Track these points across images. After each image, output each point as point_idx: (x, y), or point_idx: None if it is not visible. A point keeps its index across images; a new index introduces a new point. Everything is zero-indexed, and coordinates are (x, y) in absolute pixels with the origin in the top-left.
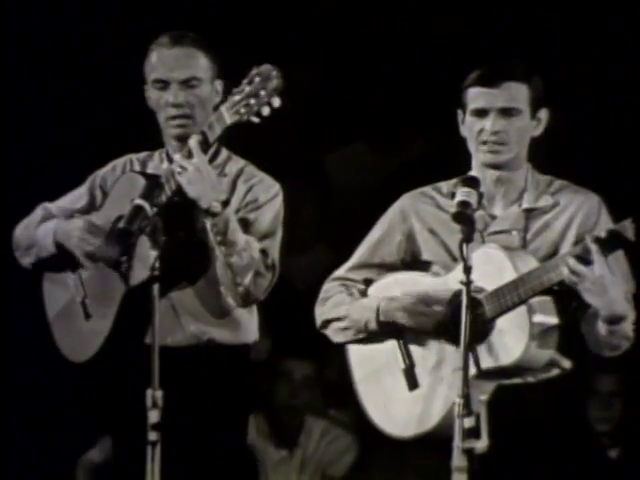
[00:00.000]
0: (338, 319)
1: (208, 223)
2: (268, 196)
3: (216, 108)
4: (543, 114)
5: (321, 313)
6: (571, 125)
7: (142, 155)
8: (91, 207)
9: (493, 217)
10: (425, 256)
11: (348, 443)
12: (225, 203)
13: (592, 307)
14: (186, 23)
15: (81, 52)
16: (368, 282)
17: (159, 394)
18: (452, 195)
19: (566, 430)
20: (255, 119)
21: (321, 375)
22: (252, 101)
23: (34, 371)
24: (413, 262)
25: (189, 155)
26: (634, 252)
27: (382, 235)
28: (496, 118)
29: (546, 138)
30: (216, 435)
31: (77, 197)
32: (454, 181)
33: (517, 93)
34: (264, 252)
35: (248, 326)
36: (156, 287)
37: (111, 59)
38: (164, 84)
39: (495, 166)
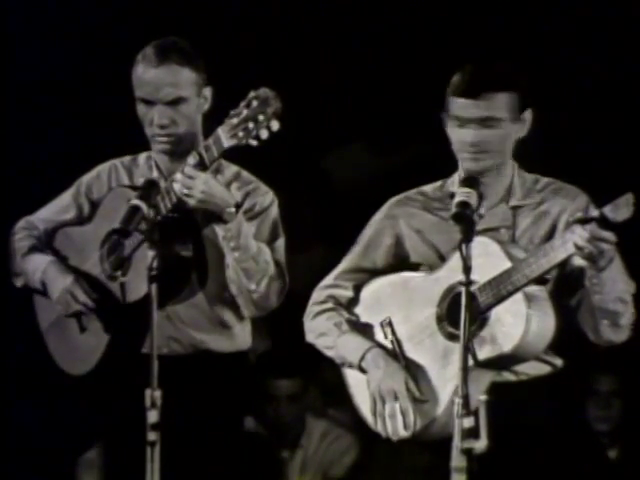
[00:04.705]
0: (324, 347)
1: (220, 231)
2: (264, 204)
3: (206, 115)
4: (527, 115)
5: (309, 331)
6: (557, 123)
7: (126, 160)
8: (79, 218)
9: (480, 216)
10: (414, 258)
11: (349, 443)
12: (238, 205)
13: (596, 290)
14: (176, 31)
15: (67, 53)
16: (357, 288)
17: (158, 394)
18: (451, 195)
19: (565, 430)
20: (254, 142)
21: (316, 376)
22: (250, 125)
23: (33, 373)
24: (402, 265)
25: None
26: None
27: (370, 240)
28: (477, 128)
29: (534, 137)
30: (214, 443)
31: (63, 208)
32: (439, 183)
33: (497, 103)
34: (274, 260)
35: (242, 333)
36: (154, 287)
37: (99, 61)
38: (150, 103)
39: (478, 173)
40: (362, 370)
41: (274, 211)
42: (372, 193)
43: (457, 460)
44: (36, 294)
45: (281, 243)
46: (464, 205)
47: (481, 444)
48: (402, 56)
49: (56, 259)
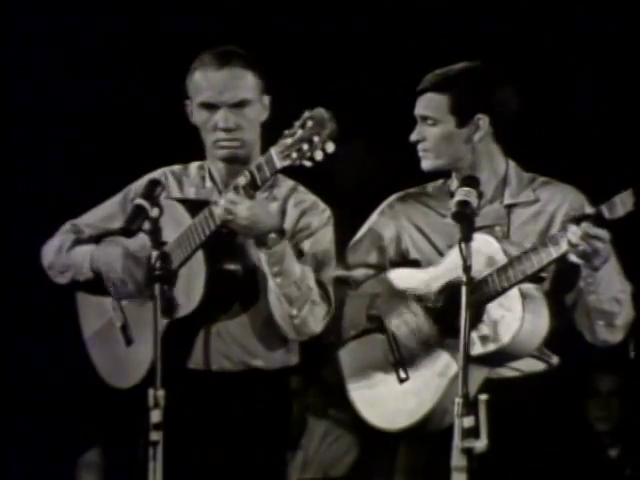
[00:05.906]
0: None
1: (263, 255)
2: (321, 222)
3: (264, 126)
4: (482, 121)
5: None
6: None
7: (177, 169)
8: (128, 229)
9: (475, 214)
10: (413, 255)
11: (349, 444)
12: (282, 232)
13: (593, 287)
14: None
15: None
16: (358, 284)
17: (161, 394)
18: (451, 194)
19: (565, 429)
20: (307, 163)
21: (316, 376)
22: (305, 147)
23: (38, 372)
24: (401, 262)
25: (237, 192)
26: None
27: (370, 237)
28: (419, 125)
29: (532, 135)
30: (257, 461)
31: (109, 214)
32: (440, 182)
33: (433, 103)
34: (320, 283)
35: (291, 350)
36: (157, 286)
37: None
38: (213, 107)
39: (429, 171)
40: (368, 318)
41: (329, 232)
42: (372, 192)
43: (457, 460)
44: (81, 297)
45: (333, 267)
46: (464, 204)
47: (481, 443)
48: (403, 54)
49: (98, 245)
